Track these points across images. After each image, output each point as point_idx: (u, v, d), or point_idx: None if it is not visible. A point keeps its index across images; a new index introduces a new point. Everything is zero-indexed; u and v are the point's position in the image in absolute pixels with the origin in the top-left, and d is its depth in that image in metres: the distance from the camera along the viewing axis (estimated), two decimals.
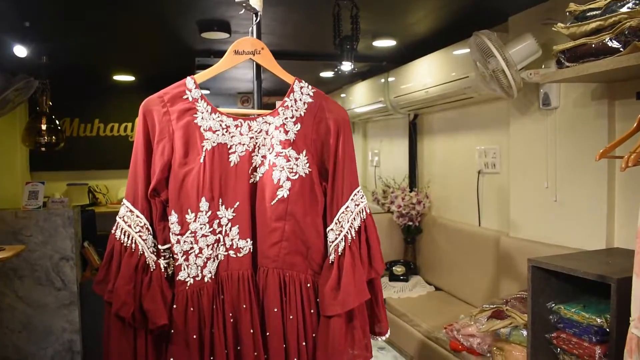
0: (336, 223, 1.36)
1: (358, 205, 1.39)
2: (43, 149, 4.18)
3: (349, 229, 1.36)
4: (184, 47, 3.81)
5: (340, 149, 1.37)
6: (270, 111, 1.36)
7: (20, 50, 3.00)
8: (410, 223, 4.12)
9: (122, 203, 1.30)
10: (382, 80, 4.34)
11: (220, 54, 4.46)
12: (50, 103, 4.22)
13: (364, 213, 1.40)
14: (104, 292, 1.27)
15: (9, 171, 4.80)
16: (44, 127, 4.14)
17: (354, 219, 1.37)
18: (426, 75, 3.69)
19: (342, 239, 1.35)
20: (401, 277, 3.99)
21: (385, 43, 3.69)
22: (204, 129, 1.31)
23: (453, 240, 3.74)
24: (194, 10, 2.95)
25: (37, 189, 3.25)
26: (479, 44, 2.83)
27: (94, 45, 3.94)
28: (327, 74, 5.00)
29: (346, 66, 2.73)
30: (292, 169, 1.32)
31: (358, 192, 1.40)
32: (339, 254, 1.35)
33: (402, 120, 4.57)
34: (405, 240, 4.24)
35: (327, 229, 1.37)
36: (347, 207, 1.37)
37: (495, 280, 3.21)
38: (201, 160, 1.29)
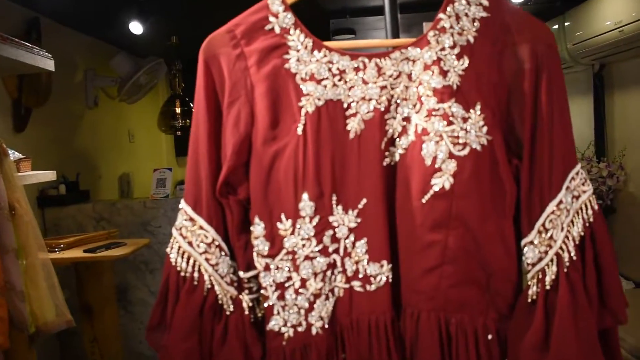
0: (540, 232, 0.76)
1: (578, 197, 0.78)
2: (179, 132, 4.01)
3: (563, 242, 0.76)
4: (316, 8, 3.33)
5: (543, 98, 0.76)
6: (415, 39, 0.79)
7: (137, 27, 2.73)
8: (600, 201, 3.27)
9: (179, 208, 0.82)
10: (556, 25, 3.49)
11: (359, 11, 3.93)
12: (184, 85, 4.02)
13: (590, 211, 0.79)
14: (158, 346, 0.81)
15: (154, 157, 4.77)
16: (178, 110, 3.95)
17: (572, 222, 0.77)
18: (619, 9, 2.86)
19: (551, 260, 0.76)
20: None
21: None
22: (301, 78, 0.78)
23: None
24: None
25: (164, 176, 3.01)
26: None
27: (223, 21, 3.64)
28: None
29: None
30: (457, 137, 0.74)
31: (577, 174, 0.79)
32: (547, 286, 0.75)
33: (583, 74, 3.68)
34: None
35: (524, 242, 0.78)
36: (560, 202, 0.76)
37: None
38: (299, 131, 0.76)
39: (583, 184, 0.80)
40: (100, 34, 3.58)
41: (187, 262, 0.79)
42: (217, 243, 0.79)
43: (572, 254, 0.76)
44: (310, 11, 3.38)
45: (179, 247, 0.80)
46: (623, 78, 3.32)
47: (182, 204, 0.82)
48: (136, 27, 2.74)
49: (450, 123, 0.74)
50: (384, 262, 0.78)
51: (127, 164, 4.12)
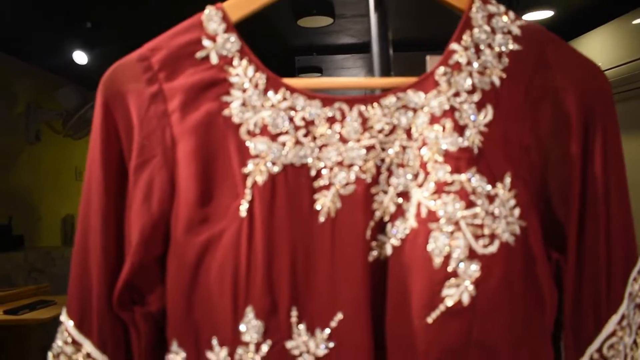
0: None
1: None
2: None
3: None
4: (280, 43, 3.13)
5: (598, 168, 0.54)
6: (416, 79, 0.55)
7: (81, 57, 2.46)
8: None
9: (59, 321, 0.55)
10: None
11: (326, 49, 3.73)
12: None
13: None
14: None
15: None
16: None
17: (635, 344, 0.54)
18: (596, 55, 2.76)
19: None
20: None
21: (539, 15, 2.75)
22: (248, 132, 0.52)
23: None
24: None
25: None
26: None
27: None
28: None
29: None
30: (481, 226, 0.50)
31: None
32: None
33: None
34: None
35: None
36: (623, 318, 0.53)
37: None
38: (242, 212, 0.50)
39: None
40: (45, 63, 3.28)
41: None
42: None
43: None
44: (274, 47, 3.18)
45: None
46: None
47: (63, 317, 0.54)
48: (80, 57, 2.47)
49: (470, 204, 0.50)
50: None
51: (73, 204, 3.77)
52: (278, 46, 3.17)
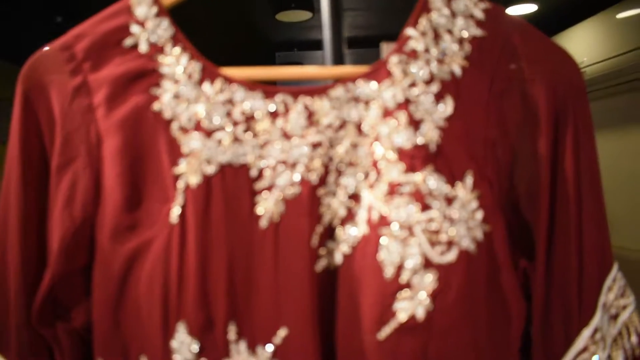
0: None
1: (616, 317, 0.52)
2: None
3: None
4: (259, 38, 3.07)
5: (568, 166, 0.49)
6: (368, 68, 0.50)
7: None
8: None
9: None
10: None
11: (307, 44, 3.70)
12: None
13: (634, 338, 0.53)
14: None
15: None
16: None
17: (610, 359, 0.50)
18: (581, 49, 2.73)
19: None
20: None
21: (523, 9, 2.72)
22: (180, 128, 0.47)
23: (629, 277, 2.68)
24: None
25: None
26: None
27: None
28: None
29: None
30: (437, 232, 0.45)
31: (615, 280, 0.52)
32: None
33: None
34: None
35: None
36: (596, 331, 0.49)
37: None
38: (173, 218, 0.45)
39: (622, 295, 0.53)
40: (14, 58, 3.19)
41: None
42: None
43: None
44: (254, 43, 3.12)
45: None
46: None
47: None
48: None
49: (425, 207, 0.45)
50: None
51: None
52: (258, 42, 3.12)
